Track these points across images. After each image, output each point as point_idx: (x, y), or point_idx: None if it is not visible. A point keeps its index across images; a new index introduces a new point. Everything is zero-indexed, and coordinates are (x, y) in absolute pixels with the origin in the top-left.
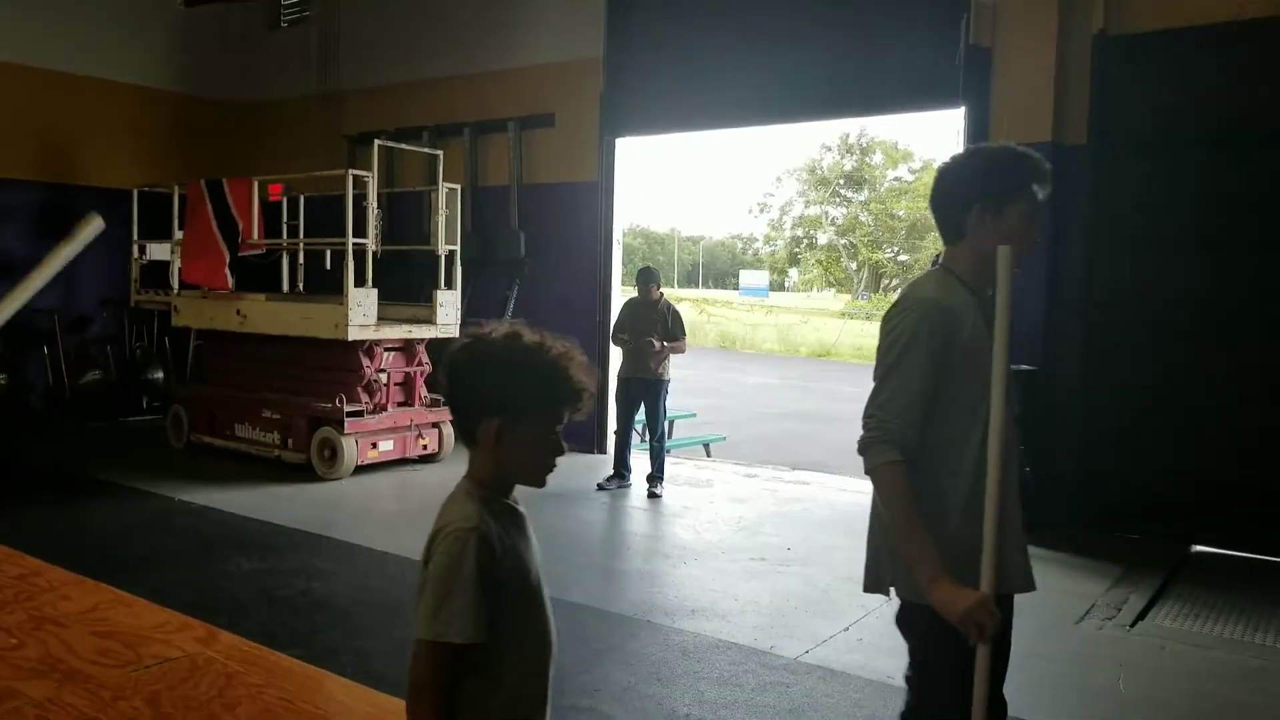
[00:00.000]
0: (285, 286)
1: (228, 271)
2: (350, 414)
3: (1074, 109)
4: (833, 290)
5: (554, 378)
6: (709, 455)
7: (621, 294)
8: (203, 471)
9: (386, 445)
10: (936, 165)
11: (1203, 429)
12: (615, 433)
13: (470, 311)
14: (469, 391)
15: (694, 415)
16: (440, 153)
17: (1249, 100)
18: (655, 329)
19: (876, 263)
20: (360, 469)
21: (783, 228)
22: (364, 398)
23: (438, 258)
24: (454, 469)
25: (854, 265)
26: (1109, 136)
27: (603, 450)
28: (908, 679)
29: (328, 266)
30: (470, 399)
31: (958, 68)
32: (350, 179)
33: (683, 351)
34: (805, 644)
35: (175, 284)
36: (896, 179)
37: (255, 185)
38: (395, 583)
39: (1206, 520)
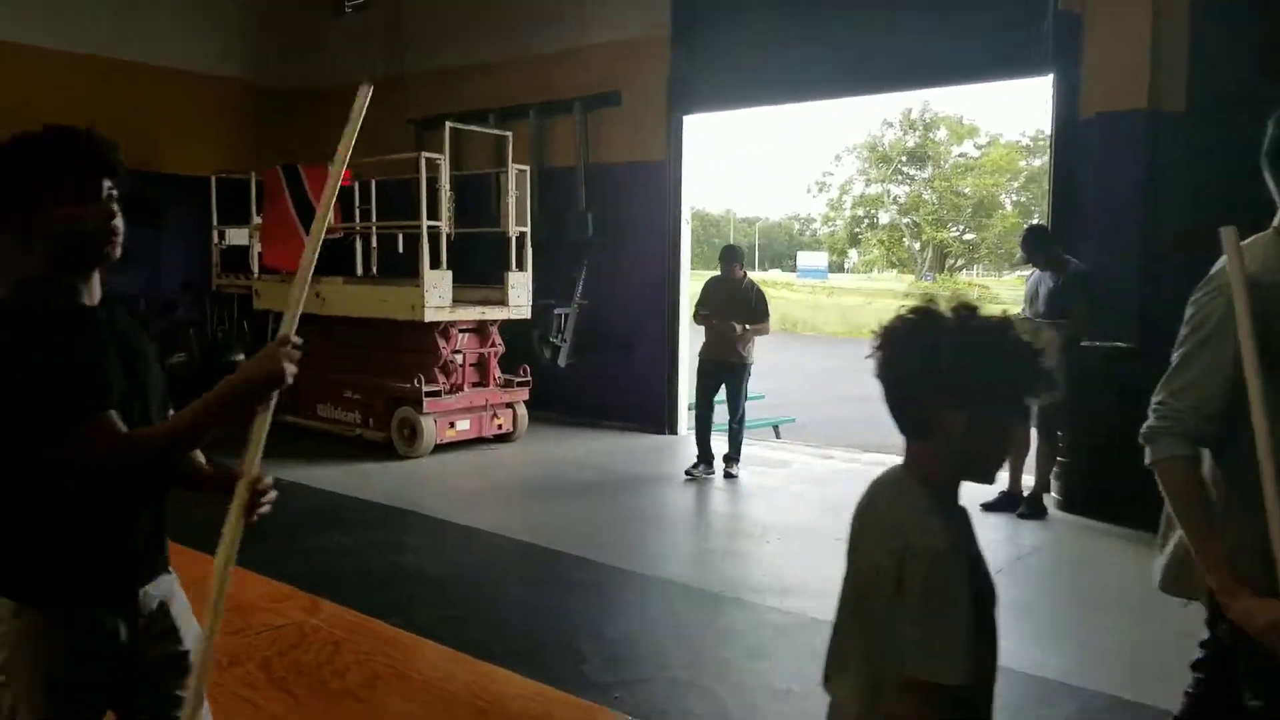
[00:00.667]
0: (359, 270)
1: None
2: (428, 394)
3: (1171, 73)
4: (894, 271)
5: (1022, 359)
6: (778, 437)
7: (691, 275)
8: (289, 449)
9: (463, 424)
10: (1004, 139)
11: None
12: (695, 417)
13: (540, 293)
14: (927, 375)
15: (762, 397)
16: (509, 134)
17: None
18: (739, 310)
19: (941, 242)
20: (439, 448)
21: (842, 207)
22: (441, 378)
23: (508, 239)
24: (529, 448)
25: (917, 245)
26: (1209, 101)
27: (673, 431)
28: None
29: (400, 250)
30: (928, 384)
31: (1045, 34)
32: (423, 162)
33: (766, 333)
34: None
35: (255, 268)
36: (962, 155)
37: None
38: (485, 557)
39: None
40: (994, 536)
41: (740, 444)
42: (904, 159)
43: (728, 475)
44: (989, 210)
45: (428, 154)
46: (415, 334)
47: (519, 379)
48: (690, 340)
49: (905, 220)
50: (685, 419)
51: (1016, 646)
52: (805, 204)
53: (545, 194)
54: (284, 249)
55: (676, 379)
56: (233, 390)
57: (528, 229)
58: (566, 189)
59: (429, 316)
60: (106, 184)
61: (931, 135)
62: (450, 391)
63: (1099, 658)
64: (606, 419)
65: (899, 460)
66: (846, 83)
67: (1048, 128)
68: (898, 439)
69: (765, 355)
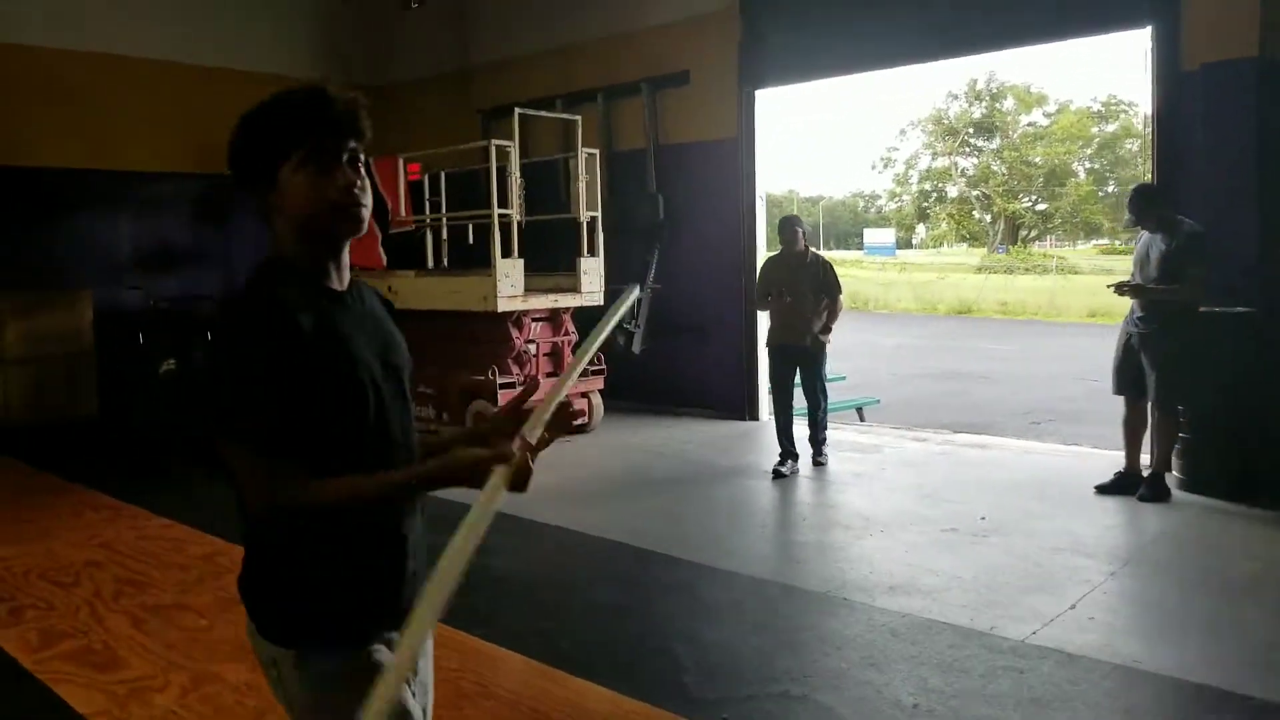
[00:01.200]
0: (430, 262)
1: (381, 250)
2: (503, 385)
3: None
4: (964, 244)
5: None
6: (862, 420)
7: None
8: None
9: None
10: (1074, 105)
11: None
12: (774, 410)
13: (612, 278)
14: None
15: (844, 379)
16: (578, 118)
17: None
18: (807, 288)
19: (1013, 213)
20: None
21: (909, 182)
22: (515, 369)
23: (579, 225)
24: (607, 439)
25: (988, 217)
26: None
27: (754, 416)
28: None
29: (470, 241)
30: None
31: None
32: (493, 150)
33: (840, 312)
34: (1030, 624)
35: None
36: (1031, 124)
37: (400, 164)
38: (572, 559)
39: None
40: (1112, 522)
41: (824, 430)
42: (970, 130)
43: (816, 463)
44: (1061, 179)
45: (497, 141)
46: (488, 325)
47: (594, 367)
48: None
49: (975, 193)
50: (766, 404)
51: (1159, 648)
52: (870, 180)
53: (614, 178)
54: (360, 244)
55: (755, 363)
56: (426, 479)
57: (598, 213)
58: (636, 172)
59: (502, 306)
60: (350, 145)
61: (998, 105)
62: (524, 382)
63: (1254, 657)
64: (684, 405)
65: (998, 439)
66: (924, 47)
67: (1121, 91)
68: (985, 417)
69: (839, 335)
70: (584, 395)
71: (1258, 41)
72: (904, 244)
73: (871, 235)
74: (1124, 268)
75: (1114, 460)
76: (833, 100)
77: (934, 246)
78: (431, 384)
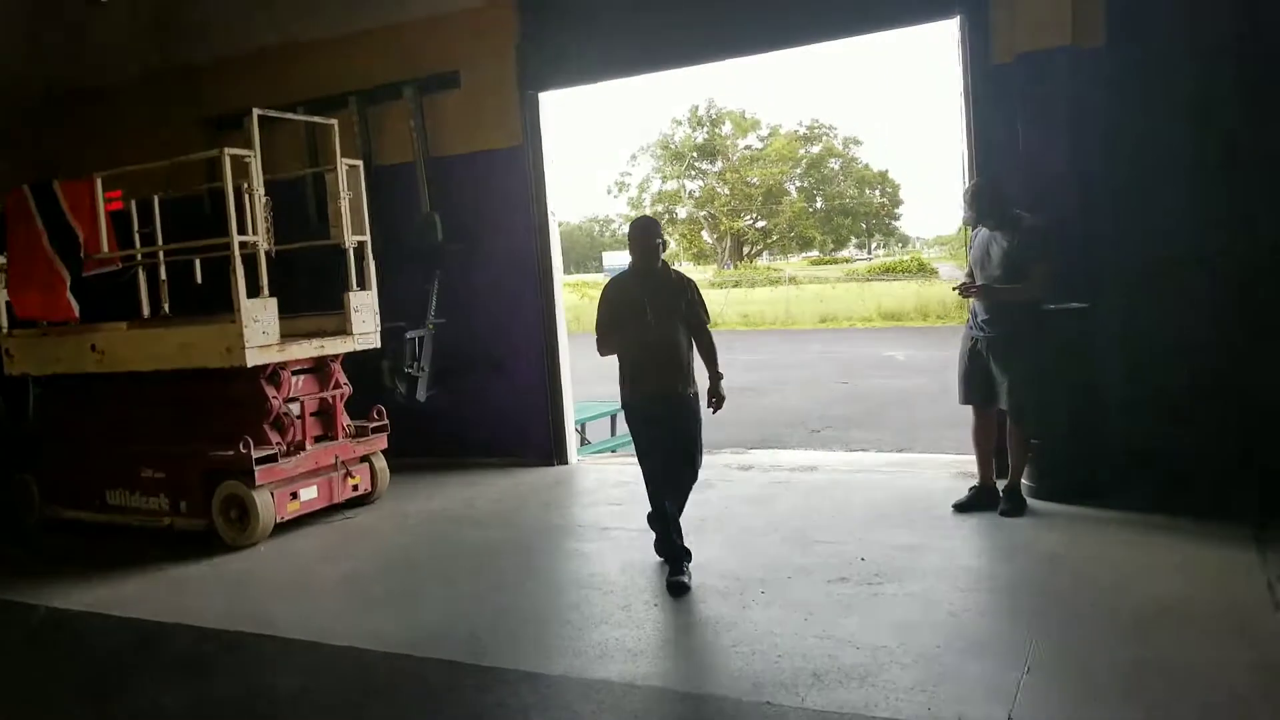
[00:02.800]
0: (146, 310)
1: (70, 297)
2: (260, 460)
3: (1089, 5)
4: (691, 263)
5: None
6: (615, 431)
7: (565, 277)
8: (72, 559)
9: (310, 493)
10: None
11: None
12: (650, 493)
13: (389, 315)
14: None
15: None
16: (334, 121)
17: None
18: (672, 315)
19: (738, 231)
20: (280, 527)
21: (642, 205)
22: (274, 437)
23: (344, 252)
24: (397, 508)
25: (714, 236)
26: (1124, 35)
27: (562, 459)
28: None
29: (198, 280)
30: None
31: None
32: (227, 161)
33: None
34: (998, 704)
35: (4, 321)
36: (747, 147)
37: (99, 185)
38: (382, 699)
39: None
40: (989, 545)
41: (679, 547)
42: (695, 154)
43: (676, 585)
44: (777, 198)
45: (232, 150)
46: (235, 384)
47: (374, 424)
48: (574, 350)
49: (702, 213)
50: (574, 443)
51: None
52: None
53: (379, 197)
54: (39, 292)
55: (560, 399)
56: None
57: (367, 238)
58: (404, 189)
59: (252, 360)
60: None
61: (719, 130)
62: (289, 453)
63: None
64: (485, 455)
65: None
66: (731, 41)
67: (822, 114)
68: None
69: (594, 359)
70: (364, 459)
71: (1069, 30)
72: None
73: (610, 258)
74: (833, 275)
75: (925, 468)
76: (565, 125)
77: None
78: (162, 466)
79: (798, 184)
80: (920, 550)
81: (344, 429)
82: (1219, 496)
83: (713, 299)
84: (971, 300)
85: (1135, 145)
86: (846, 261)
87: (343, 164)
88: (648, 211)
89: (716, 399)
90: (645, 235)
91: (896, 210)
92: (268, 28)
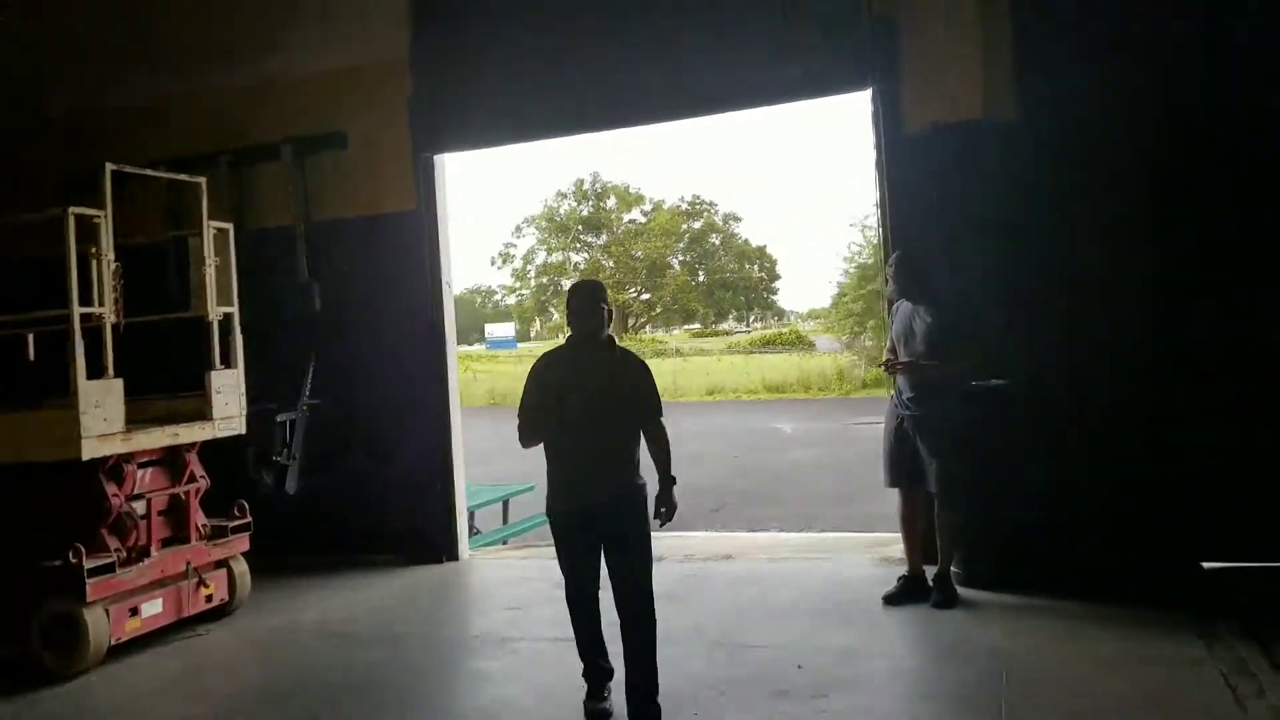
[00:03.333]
0: None
1: None
2: (94, 571)
3: (1000, 81)
4: None
5: None
6: (506, 518)
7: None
8: None
9: (153, 607)
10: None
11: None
12: (573, 611)
13: (257, 396)
14: None
15: (532, 488)
16: (202, 179)
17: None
18: (619, 404)
19: (623, 303)
20: (116, 650)
21: (527, 276)
22: (113, 542)
23: (207, 326)
24: (259, 623)
25: None
26: (1037, 109)
27: (452, 555)
28: None
29: (32, 356)
30: None
31: (859, 46)
32: (71, 221)
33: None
34: None
35: None
36: (631, 221)
37: None
38: None
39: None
40: (933, 646)
41: (654, 678)
42: (580, 227)
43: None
44: (661, 271)
45: (78, 210)
46: (68, 480)
47: (235, 522)
48: (470, 432)
49: None
50: (464, 537)
51: None
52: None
53: (252, 264)
54: None
55: (452, 485)
56: None
57: (235, 309)
58: (279, 256)
59: (91, 451)
60: None
61: (603, 204)
62: (129, 561)
63: None
64: (367, 552)
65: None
66: (634, 109)
67: (703, 191)
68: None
69: (480, 435)
70: (220, 565)
71: (982, 103)
72: (523, 336)
73: (493, 329)
74: (716, 347)
75: (843, 550)
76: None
77: (552, 337)
78: None
79: (680, 258)
80: (859, 654)
81: (199, 529)
82: (1151, 582)
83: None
84: (896, 377)
85: (1052, 217)
86: (726, 334)
87: (209, 226)
88: (533, 284)
89: (666, 509)
90: (586, 300)
91: (774, 284)
92: (137, 82)
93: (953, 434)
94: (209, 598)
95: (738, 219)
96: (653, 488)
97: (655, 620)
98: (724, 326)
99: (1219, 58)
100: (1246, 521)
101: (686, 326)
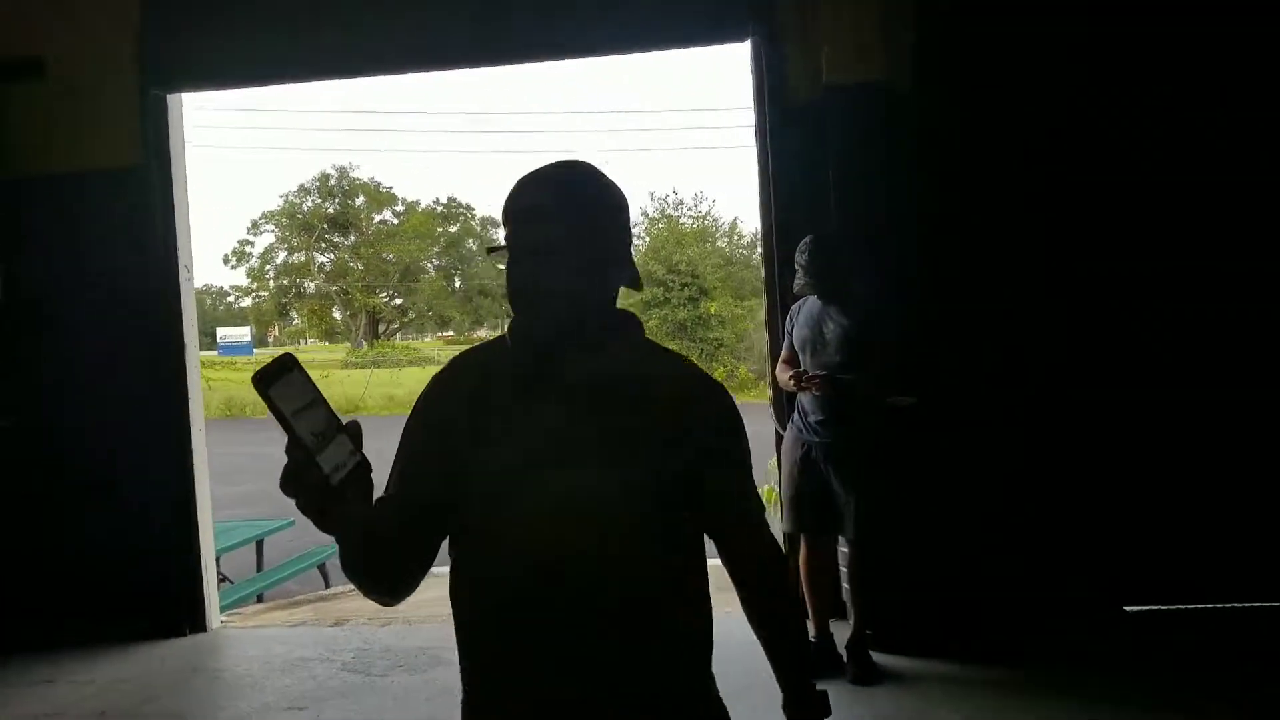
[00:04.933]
0: None
1: None
2: None
3: (897, 45)
4: (316, 340)
5: None
6: (326, 579)
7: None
8: None
9: None
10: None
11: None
12: None
13: None
14: None
15: (291, 523)
16: None
17: None
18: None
19: (374, 308)
20: None
21: (265, 276)
22: None
23: None
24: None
25: (347, 313)
26: (934, 77)
27: (197, 625)
28: None
29: None
30: None
31: None
32: None
33: None
34: None
35: None
36: (383, 222)
37: None
38: None
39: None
40: None
41: None
42: (326, 226)
43: None
44: (415, 275)
45: None
46: None
47: None
48: (215, 462)
49: (334, 288)
50: (214, 597)
51: None
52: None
53: None
54: None
55: (195, 529)
56: None
57: None
58: None
59: None
60: None
61: (351, 202)
62: None
63: None
64: (75, 627)
65: None
66: (447, 49)
67: (460, 193)
68: None
69: (224, 452)
70: None
71: (883, 63)
72: (261, 341)
73: (226, 332)
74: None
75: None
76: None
77: (292, 343)
78: None
79: (436, 262)
80: None
81: None
82: (1088, 643)
83: (354, 381)
84: (800, 396)
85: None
86: (482, 341)
87: None
88: (271, 285)
89: None
90: (557, 199)
91: None
92: None
93: (877, 462)
94: None
95: (496, 224)
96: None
97: None
98: (480, 334)
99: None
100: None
101: (440, 334)
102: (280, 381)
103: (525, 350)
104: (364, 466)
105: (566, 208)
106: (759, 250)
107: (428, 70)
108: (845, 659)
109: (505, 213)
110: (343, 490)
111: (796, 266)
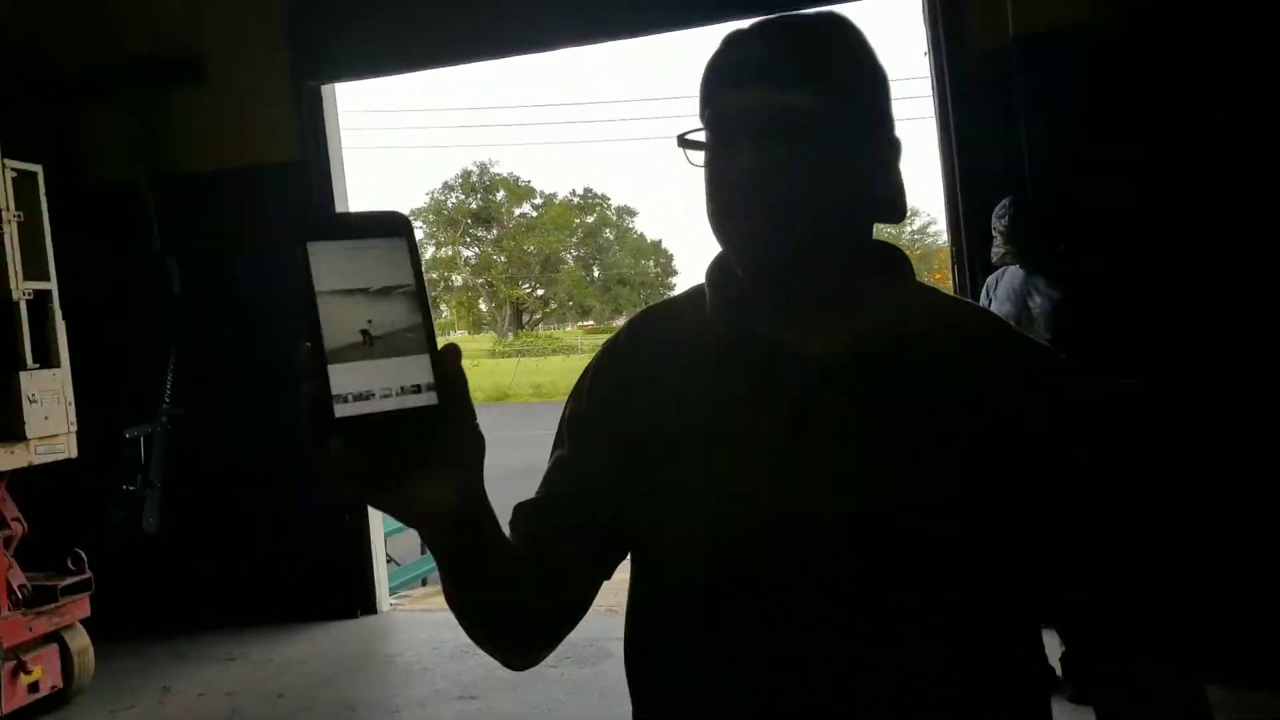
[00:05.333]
0: None
1: None
2: None
3: None
4: (465, 331)
5: None
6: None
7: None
8: None
9: None
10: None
11: None
12: None
13: (93, 406)
14: None
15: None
16: None
17: None
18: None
19: (517, 299)
20: None
21: None
22: None
23: (13, 309)
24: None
25: (492, 305)
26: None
27: (369, 608)
28: None
29: None
30: None
31: None
32: None
33: None
34: None
35: None
36: (523, 215)
37: None
38: None
39: None
40: None
41: None
42: (469, 221)
43: None
44: (555, 266)
45: None
46: None
47: (68, 581)
48: None
49: (479, 281)
50: (383, 582)
51: None
52: None
53: (84, 230)
54: None
55: (365, 518)
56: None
57: (54, 287)
58: (119, 220)
59: None
60: None
61: (492, 197)
62: None
63: None
64: (254, 612)
65: None
66: (596, 20)
67: (595, 184)
68: None
69: None
70: (49, 639)
71: (1088, 6)
72: None
73: None
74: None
75: None
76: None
77: (441, 334)
78: None
79: (575, 253)
80: None
81: (15, 593)
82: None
83: (503, 370)
84: None
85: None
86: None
87: (7, 172)
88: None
89: None
90: (803, 59)
91: (670, 280)
92: None
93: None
94: (33, 686)
95: (632, 213)
96: None
97: None
98: (619, 323)
99: None
100: None
101: (581, 323)
102: (341, 243)
103: (759, 302)
104: (432, 414)
105: (842, 60)
106: (924, 228)
107: (580, 45)
108: (1058, 674)
109: (714, 79)
110: (366, 437)
111: (994, 233)
